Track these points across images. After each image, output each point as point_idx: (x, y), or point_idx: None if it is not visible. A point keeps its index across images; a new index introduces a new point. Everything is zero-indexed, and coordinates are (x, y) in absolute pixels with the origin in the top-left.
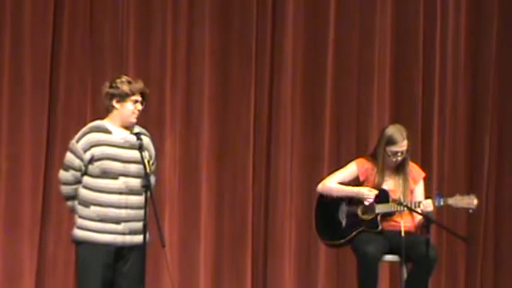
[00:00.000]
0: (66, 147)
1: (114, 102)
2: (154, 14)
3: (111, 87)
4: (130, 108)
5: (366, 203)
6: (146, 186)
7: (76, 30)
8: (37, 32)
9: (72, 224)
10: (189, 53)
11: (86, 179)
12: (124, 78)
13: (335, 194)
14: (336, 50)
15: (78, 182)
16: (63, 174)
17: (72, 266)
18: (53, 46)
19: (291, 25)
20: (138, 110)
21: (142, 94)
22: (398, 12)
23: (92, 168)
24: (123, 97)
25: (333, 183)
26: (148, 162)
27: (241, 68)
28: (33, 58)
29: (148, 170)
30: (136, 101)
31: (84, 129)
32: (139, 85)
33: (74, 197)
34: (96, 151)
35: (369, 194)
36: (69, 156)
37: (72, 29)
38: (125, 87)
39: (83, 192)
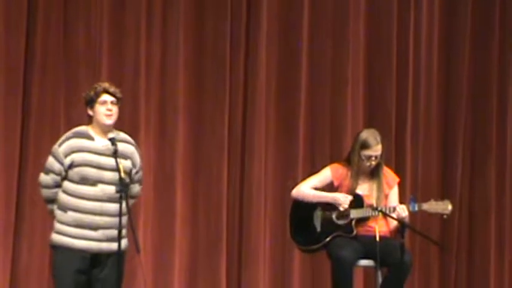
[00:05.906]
0: (39, 156)
1: (88, 110)
2: (128, 24)
3: (84, 97)
4: (101, 111)
5: (341, 209)
6: (121, 191)
7: (49, 42)
8: (10, 42)
9: (45, 231)
10: (163, 62)
11: (66, 184)
12: (94, 85)
13: (310, 199)
14: (310, 59)
15: (58, 186)
16: (43, 178)
17: (46, 273)
18: (26, 56)
19: (265, 37)
20: (110, 110)
21: (109, 94)
22: (371, 24)
23: (71, 173)
24: (92, 102)
25: (307, 189)
26: (125, 168)
27: (216, 77)
28: (7, 67)
29: (122, 175)
30: (104, 102)
31: (67, 134)
32: (102, 85)
33: (53, 200)
34: (76, 157)
35: (344, 200)
36: (50, 160)
37: (45, 40)
38: (91, 92)
39: (62, 197)
